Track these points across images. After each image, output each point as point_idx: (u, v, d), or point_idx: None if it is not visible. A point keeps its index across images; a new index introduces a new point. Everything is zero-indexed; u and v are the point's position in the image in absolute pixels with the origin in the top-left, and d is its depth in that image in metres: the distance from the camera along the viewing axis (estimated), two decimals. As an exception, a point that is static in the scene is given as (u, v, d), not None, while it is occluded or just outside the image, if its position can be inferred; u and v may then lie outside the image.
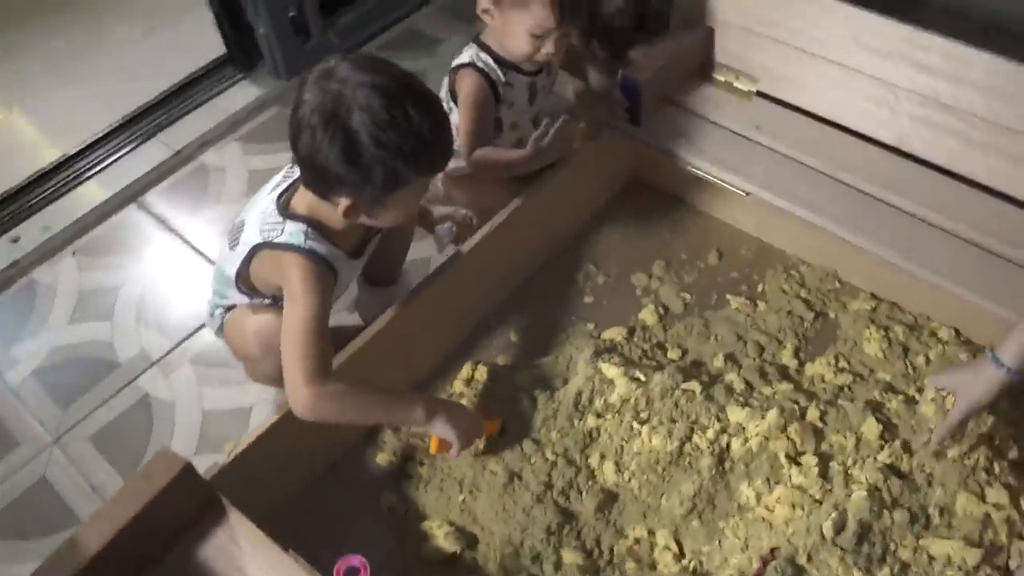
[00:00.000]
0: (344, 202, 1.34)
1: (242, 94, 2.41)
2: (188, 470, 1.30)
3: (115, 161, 2.29)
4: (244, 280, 1.50)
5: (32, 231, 2.15)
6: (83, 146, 2.32)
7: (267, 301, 1.54)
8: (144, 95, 2.42)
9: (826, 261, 1.76)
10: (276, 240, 1.41)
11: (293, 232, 1.41)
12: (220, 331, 1.64)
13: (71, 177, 2.26)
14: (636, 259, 1.86)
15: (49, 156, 2.32)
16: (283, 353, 1.35)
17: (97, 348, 1.93)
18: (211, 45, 2.45)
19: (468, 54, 1.72)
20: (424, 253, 1.93)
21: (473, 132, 1.71)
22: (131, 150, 2.31)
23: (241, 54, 2.43)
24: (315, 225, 1.42)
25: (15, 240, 2.13)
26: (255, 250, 1.44)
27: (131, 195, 2.22)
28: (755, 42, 1.79)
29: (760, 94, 1.84)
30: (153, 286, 2.04)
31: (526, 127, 1.81)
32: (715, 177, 1.75)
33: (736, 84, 1.85)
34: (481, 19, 1.67)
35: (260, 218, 1.44)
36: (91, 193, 2.23)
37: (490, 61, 1.70)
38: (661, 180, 1.92)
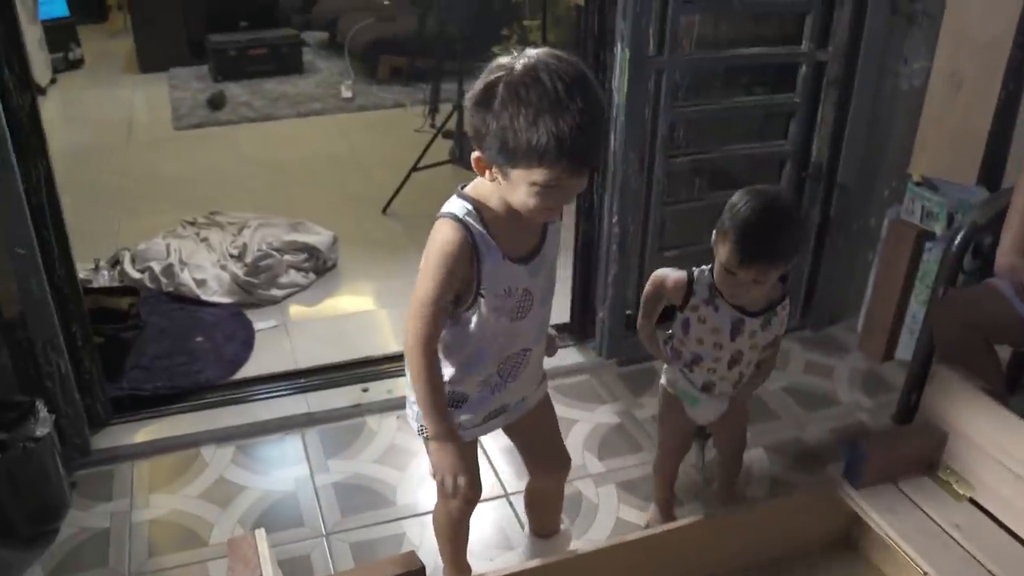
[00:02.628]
0: (476, 154, 1.44)
1: (568, 356, 3.00)
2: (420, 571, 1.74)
3: (456, 366, 2.94)
4: None
5: (379, 389, 2.82)
6: (439, 347, 3.00)
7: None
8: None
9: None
10: (439, 212, 1.55)
11: (455, 204, 1.53)
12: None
13: (421, 364, 2.93)
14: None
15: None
16: (410, 308, 1.58)
17: (384, 487, 2.48)
18: (561, 313, 3.07)
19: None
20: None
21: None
22: (470, 363, 2.95)
23: (580, 328, 3.05)
24: (478, 208, 1.52)
25: (365, 390, 2.81)
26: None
27: (455, 394, 2.84)
28: (981, 458, 2.09)
29: (972, 501, 2.11)
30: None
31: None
32: (902, 550, 2.01)
33: (954, 486, 2.13)
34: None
35: None
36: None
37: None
38: (867, 548, 2.21)
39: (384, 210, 4.13)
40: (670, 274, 2.05)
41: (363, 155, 4.94)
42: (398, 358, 2.94)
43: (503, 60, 1.41)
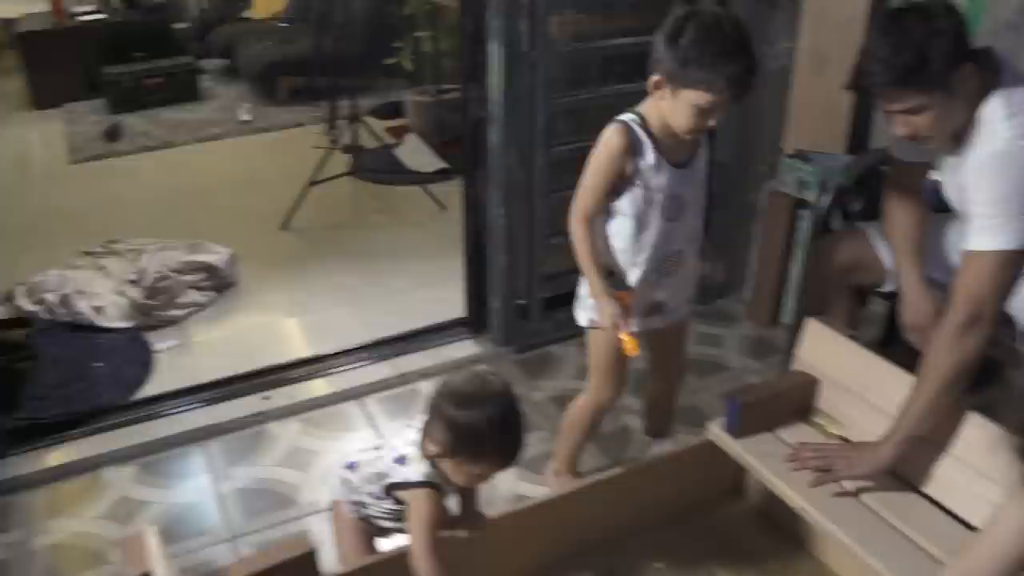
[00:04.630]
0: (654, 78, 1.84)
1: (464, 348, 3.07)
2: (310, 554, 1.78)
3: (356, 368, 2.98)
4: None
5: (280, 396, 2.84)
6: (337, 351, 3.06)
7: None
8: (394, 329, 3.15)
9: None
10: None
11: (625, 115, 1.95)
12: None
13: (321, 369, 2.98)
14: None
15: (312, 350, 3.10)
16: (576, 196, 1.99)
17: (287, 488, 2.49)
18: (458, 307, 3.15)
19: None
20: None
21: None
22: (370, 364, 3.00)
23: (476, 320, 3.11)
24: (643, 119, 1.93)
25: (266, 398, 2.83)
26: None
27: (356, 395, 2.87)
28: (849, 398, 2.19)
29: (843, 439, 2.20)
30: (343, 458, 2.60)
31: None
32: (780, 491, 2.09)
33: (828, 428, 2.23)
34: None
35: None
36: (330, 384, 2.92)
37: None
38: (752, 494, 2.30)
39: (284, 226, 4.14)
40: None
41: (262, 175, 4.94)
42: (300, 364, 2.98)
43: (687, 7, 1.83)
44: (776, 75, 3.15)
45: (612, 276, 2.05)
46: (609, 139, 1.93)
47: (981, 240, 1.84)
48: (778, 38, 3.15)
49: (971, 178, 1.89)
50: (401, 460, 1.81)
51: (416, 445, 1.81)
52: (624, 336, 1.98)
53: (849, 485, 2.02)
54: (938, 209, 2.32)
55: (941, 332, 1.89)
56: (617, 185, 1.97)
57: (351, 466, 1.93)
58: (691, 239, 2.10)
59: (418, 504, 1.78)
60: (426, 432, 1.77)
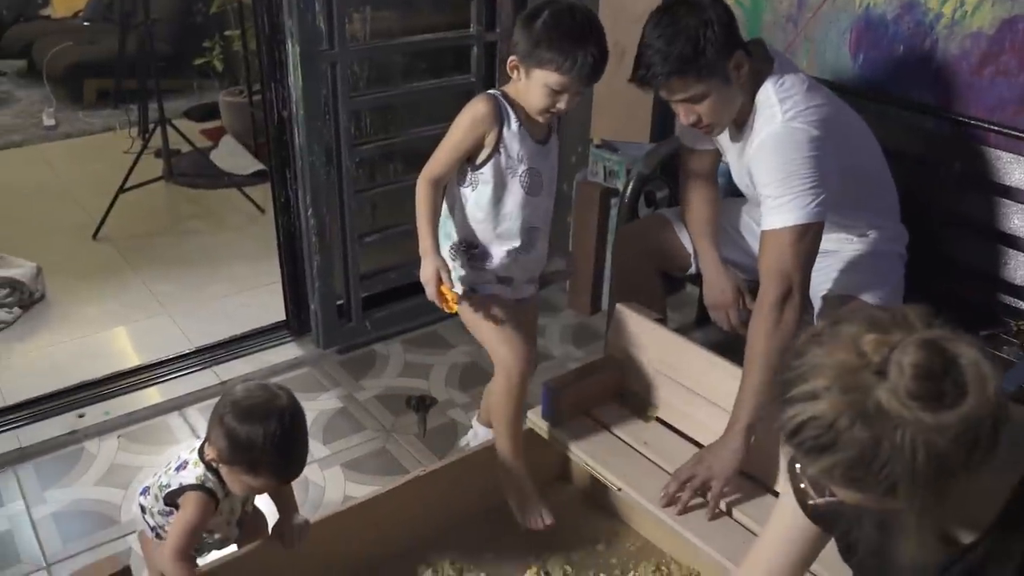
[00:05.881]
0: (510, 59, 1.97)
1: (286, 352, 3.06)
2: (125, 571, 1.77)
3: (176, 378, 2.92)
4: None
5: (96, 412, 2.76)
6: (155, 361, 3.00)
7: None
8: (215, 336, 3.11)
9: (691, 563, 2.16)
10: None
11: (491, 90, 2.07)
12: None
13: (140, 381, 2.90)
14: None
15: (129, 362, 3.02)
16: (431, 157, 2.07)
17: (107, 507, 2.44)
18: (277, 311, 3.14)
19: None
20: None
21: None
22: (190, 372, 2.95)
23: (296, 322, 3.10)
24: (505, 94, 2.04)
25: (81, 416, 2.74)
26: None
27: (177, 405, 2.82)
28: (660, 379, 2.33)
29: (659, 420, 2.35)
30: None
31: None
32: (598, 473, 2.22)
33: (649, 413, 2.36)
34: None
35: None
36: (149, 396, 2.85)
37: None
38: (577, 478, 2.41)
39: (95, 235, 4.00)
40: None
41: (70, 183, 4.73)
42: (115, 378, 2.90)
43: None
44: (577, 67, 3.26)
45: (475, 249, 2.14)
46: (474, 105, 2.03)
47: (775, 219, 1.98)
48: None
49: (755, 161, 2.04)
50: (182, 466, 1.82)
51: (196, 450, 1.82)
52: (445, 290, 2.03)
53: (722, 505, 2.05)
54: (731, 193, 2.49)
55: (758, 315, 2.00)
56: (474, 155, 2.05)
57: (144, 491, 1.92)
58: (544, 220, 2.20)
59: (184, 506, 1.78)
60: (207, 436, 1.78)
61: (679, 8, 1.96)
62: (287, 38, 2.64)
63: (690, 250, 2.46)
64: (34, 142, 5.44)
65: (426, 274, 2.04)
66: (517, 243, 2.13)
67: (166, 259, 3.83)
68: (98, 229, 4.01)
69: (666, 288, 2.65)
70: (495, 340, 2.14)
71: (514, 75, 2.00)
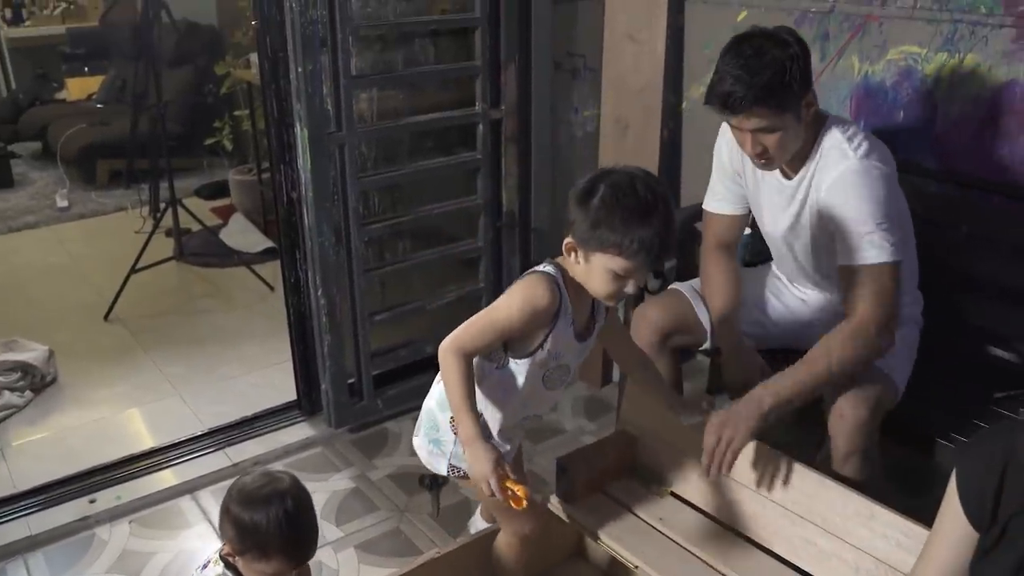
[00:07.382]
0: (567, 241, 1.72)
1: (298, 432, 3.05)
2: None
3: (188, 460, 2.92)
4: None
5: (108, 497, 2.75)
6: (167, 444, 2.99)
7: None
8: (226, 416, 3.11)
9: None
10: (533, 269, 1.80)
11: (550, 267, 1.78)
12: None
13: (152, 464, 2.90)
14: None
15: (141, 445, 3.01)
16: (467, 323, 1.77)
17: (119, 595, 2.42)
18: (288, 391, 3.14)
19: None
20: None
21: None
22: (202, 455, 2.94)
23: (307, 402, 3.10)
24: (565, 279, 1.77)
25: (92, 501, 2.73)
26: None
27: (189, 488, 2.81)
28: (673, 454, 2.31)
29: (674, 494, 2.32)
30: (179, 559, 2.55)
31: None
32: (615, 551, 2.19)
33: (659, 486, 2.34)
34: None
35: None
36: (161, 479, 2.84)
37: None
38: (593, 555, 2.38)
39: (106, 316, 4.02)
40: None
41: (82, 263, 4.78)
42: (127, 462, 2.89)
43: (605, 167, 1.74)
44: (584, 140, 3.31)
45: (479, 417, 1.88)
46: (535, 290, 1.75)
47: (871, 254, 1.98)
48: (584, 105, 3.33)
49: (832, 196, 2.03)
50: (204, 566, 1.82)
51: (218, 550, 1.82)
52: (511, 484, 1.73)
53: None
54: (747, 263, 2.48)
55: (855, 326, 1.97)
56: (513, 341, 1.82)
57: None
58: (550, 405, 2.10)
59: None
60: (220, 532, 1.78)
61: (762, 40, 1.96)
62: (296, 122, 2.68)
63: (707, 326, 2.42)
64: (48, 223, 5.51)
65: (482, 469, 1.72)
66: (518, 420, 1.98)
67: (177, 339, 3.84)
68: (110, 310, 4.03)
69: (680, 358, 2.63)
70: (508, 515, 2.04)
71: (571, 257, 1.74)
